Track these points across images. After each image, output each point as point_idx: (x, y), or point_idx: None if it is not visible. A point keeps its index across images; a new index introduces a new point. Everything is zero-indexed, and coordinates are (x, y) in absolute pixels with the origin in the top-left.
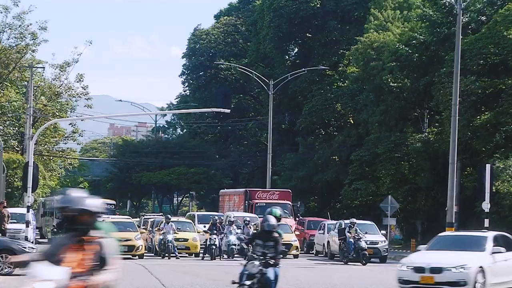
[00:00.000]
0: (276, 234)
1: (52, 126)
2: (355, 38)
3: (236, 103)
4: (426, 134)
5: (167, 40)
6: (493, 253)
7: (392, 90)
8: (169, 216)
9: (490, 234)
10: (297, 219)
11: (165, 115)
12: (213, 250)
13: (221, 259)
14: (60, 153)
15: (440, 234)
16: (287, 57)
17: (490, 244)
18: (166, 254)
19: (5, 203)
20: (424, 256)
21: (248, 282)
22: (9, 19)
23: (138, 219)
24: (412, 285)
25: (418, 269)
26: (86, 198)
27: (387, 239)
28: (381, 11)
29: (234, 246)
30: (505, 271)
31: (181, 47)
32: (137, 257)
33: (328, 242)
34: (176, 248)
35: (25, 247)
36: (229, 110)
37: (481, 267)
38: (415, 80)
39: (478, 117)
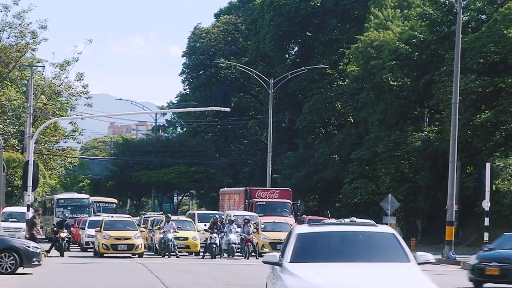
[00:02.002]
0: None
1: (52, 125)
2: (355, 37)
3: (236, 101)
4: (426, 133)
5: (166, 39)
6: (419, 264)
7: (392, 89)
8: (170, 215)
9: (390, 229)
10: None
11: (165, 114)
12: (213, 249)
13: (221, 258)
14: (60, 152)
15: (299, 231)
16: (287, 56)
17: (406, 247)
18: (166, 253)
19: (40, 211)
20: (327, 277)
21: None
22: (9, 18)
23: (138, 218)
24: None
25: None
26: None
27: None
28: (381, 9)
29: (234, 245)
30: None
31: (181, 46)
32: (136, 255)
33: None
34: (176, 247)
35: (29, 246)
36: (229, 109)
37: None
38: (415, 79)
39: (478, 115)
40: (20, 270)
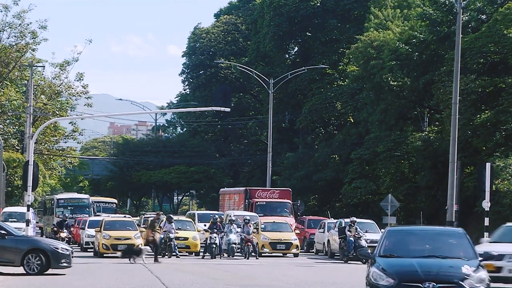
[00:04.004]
0: None
1: (52, 125)
2: (355, 37)
3: (236, 102)
4: (426, 132)
5: (163, 39)
6: None
7: (392, 89)
8: (171, 216)
9: None
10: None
11: (165, 114)
12: (214, 249)
13: (221, 257)
14: (60, 152)
15: None
16: (287, 56)
17: None
18: (167, 253)
19: (160, 215)
20: None
21: None
22: (9, 18)
23: (138, 218)
24: None
25: None
26: None
27: None
28: (381, 9)
29: (234, 245)
30: None
31: (179, 46)
32: None
33: (328, 240)
34: (176, 247)
35: (57, 248)
36: (229, 109)
37: None
38: (415, 79)
39: (478, 115)
40: (16, 270)
